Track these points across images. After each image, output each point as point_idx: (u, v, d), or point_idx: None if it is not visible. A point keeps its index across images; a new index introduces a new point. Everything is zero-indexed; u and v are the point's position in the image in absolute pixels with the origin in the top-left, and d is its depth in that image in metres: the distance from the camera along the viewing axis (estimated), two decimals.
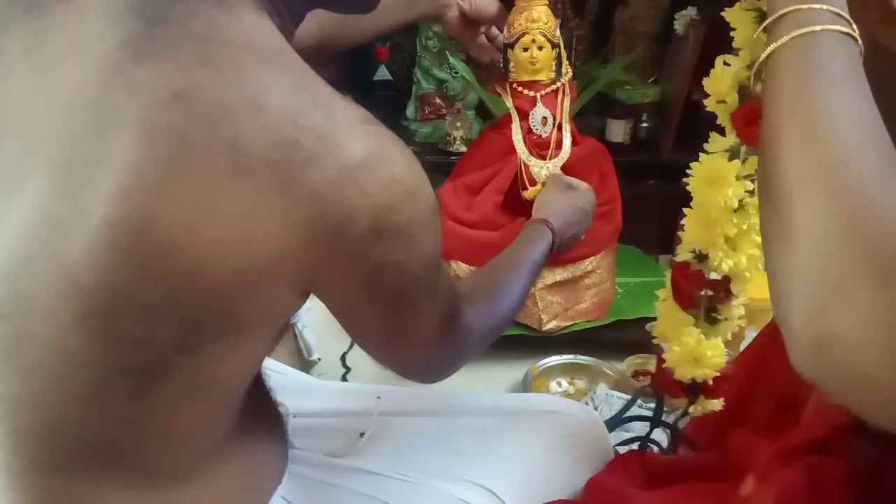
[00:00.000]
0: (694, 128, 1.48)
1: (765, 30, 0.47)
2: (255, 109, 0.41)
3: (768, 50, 0.45)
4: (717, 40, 1.36)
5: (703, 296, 0.73)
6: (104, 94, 0.42)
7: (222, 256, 0.42)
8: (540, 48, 1.10)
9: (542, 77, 1.14)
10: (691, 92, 1.48)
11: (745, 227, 0.67)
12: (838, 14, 0.44)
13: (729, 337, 0.76)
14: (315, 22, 0.83)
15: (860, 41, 0.44)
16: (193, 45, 0.43)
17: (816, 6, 0.44)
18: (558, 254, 0.90)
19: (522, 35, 1.10)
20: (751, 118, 0.60)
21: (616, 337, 1.22)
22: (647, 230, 1.51)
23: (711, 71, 0.65)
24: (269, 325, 0.49)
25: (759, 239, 0.67)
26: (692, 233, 0.70)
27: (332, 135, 0.43)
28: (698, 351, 0.73)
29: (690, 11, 1.47)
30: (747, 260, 0.68)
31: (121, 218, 0.40)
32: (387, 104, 1.57)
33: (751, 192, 0.65)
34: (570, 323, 1.21)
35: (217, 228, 0.42)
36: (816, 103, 0.42)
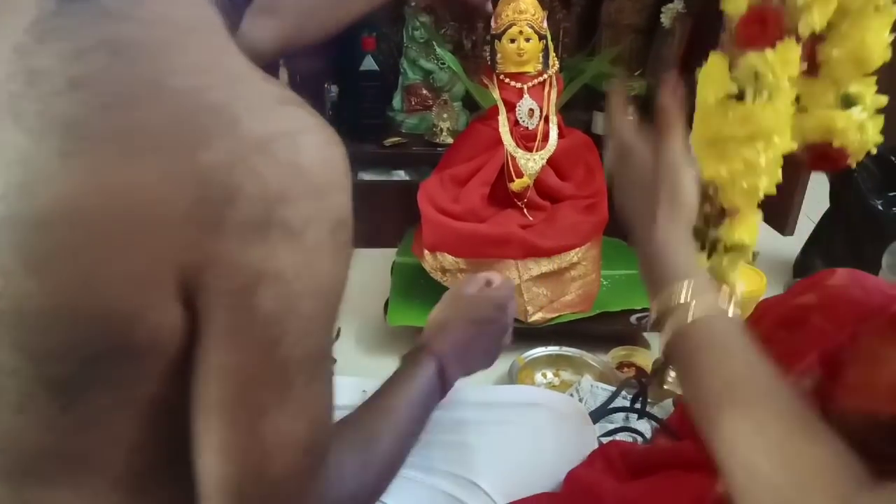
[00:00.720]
0: None
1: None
2: (154, 90, 0.39)
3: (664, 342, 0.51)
4: (703, 34, 1.38)
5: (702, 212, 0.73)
6: (5, 83, 0.39)
7: (114, 256, 0.38)
8: (527, 40, 1.10)
9: (529, 69, 1.14)
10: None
11: (731, 132, 0.68)
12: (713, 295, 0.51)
13: (724, 262, 0.76)
14: (281, 24, 0.79)
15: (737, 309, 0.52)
16: (100, 22, 0.40)
17: (689, 288, 0.51)
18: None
19: (510, 26, 1.10)
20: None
21: (601, 329, 1.23)
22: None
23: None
24: (169, 356, 0.42)
25: (748, 155, 0.68)
26: (694, 140, 0.71)
27: (233, 113, 0.39)
28: None
29: (677, 5, 1.47)
30: (729, 172, 0.69)
31: (17, 217, 0.38)
32: (373, 95, 1.56)
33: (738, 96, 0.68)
34: (556, 315, 1.21)
35: (108, 225, 0.38)
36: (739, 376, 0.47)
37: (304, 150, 0.40)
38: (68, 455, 0.44)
